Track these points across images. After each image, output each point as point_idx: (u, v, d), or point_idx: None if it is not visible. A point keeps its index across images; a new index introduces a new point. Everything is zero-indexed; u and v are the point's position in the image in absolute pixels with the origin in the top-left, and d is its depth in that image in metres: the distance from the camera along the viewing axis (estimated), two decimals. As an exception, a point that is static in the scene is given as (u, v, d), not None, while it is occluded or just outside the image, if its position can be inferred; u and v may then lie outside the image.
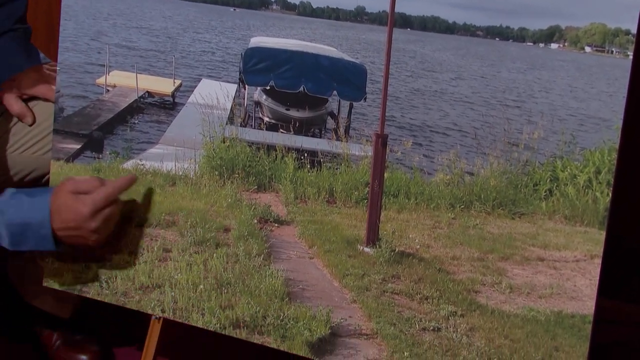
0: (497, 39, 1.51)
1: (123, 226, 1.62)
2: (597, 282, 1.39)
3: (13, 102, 1.73)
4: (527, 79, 1.53)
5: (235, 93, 1.65)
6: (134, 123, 1.71)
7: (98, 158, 1.69)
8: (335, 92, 1.61)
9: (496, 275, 1.49)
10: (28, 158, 1.75)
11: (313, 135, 1.65)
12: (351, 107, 1.61)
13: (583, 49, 1.51)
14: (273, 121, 1.65)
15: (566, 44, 1.49)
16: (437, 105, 1.56)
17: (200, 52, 1.72)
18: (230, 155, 1.63)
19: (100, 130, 1.72)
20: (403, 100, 1.56)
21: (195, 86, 1.67)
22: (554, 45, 1.50)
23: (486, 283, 1.50)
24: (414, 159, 1.54)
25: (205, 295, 1.60)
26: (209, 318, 1.59)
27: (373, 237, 1.55)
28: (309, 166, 1.60)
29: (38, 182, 1.78)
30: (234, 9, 1.70)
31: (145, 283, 1.65)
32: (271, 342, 1.56)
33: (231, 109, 1.64)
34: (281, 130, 1.63)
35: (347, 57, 1.63)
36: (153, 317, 1.68)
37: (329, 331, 1.54)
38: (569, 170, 1.45)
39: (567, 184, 1.44)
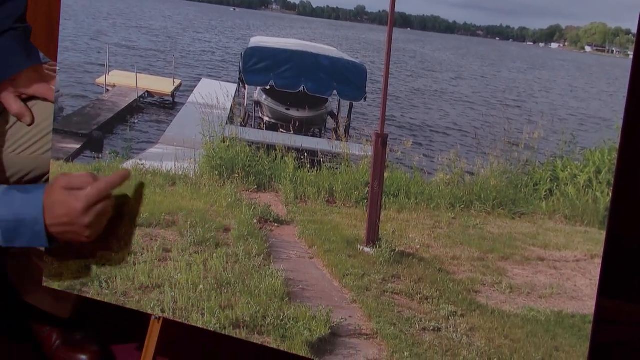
0: (497, 38, 1.51)
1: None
2: (597, 282, 1.39)
3: (12, 102, 1.72)
4: (527, 78, 1.53)
5: (235, 93, 1.65)
6: (134, 123, 1.71)
7: (98, 158, 1.69)
8: (335, 92, 1.61)
9: (496, 275, 1.49)
10: (27, 158, 1.75)
11: (313, 135, 1.64)
12: (351, 106, 1.61)
13: (583, 48, 1.51)
14: (273, 121, 1.65)
15: (566, 43, 1.49)
16: (438, 105, 1.56)
17: (200, 51, 1.72)
18: (230, 155, 1.62)
19: (100, 130, 1.71)
20: (403, 100, 1.56)
21: (195, 86, 1.67)
22: (554, 45, 1.49)
23: (486, 283, 1.49)
24: (414, 158, 1.53)
25: (205, 295, 1.60)
26: (208, 318, 1.59)
27: (373, 237, 1.55)
28: (309, 166, 1.60)
29: (37, 182, 1.78)
30: (234, 9, 1.70)
31: (145, 283, 1.65)
32: (271, 342, 1.56)
33: (231, 109, 1.64)
34: (281, 130, 1.63)
35: (347, 57, 1.63)
36: (153, 317, 1.68)
37: (329, 331, 1.54)
38: (569, 170, 1.45)
39: (568, 184, 1.44)
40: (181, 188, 1.65)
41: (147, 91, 1.75)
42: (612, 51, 1.46)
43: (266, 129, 1.65)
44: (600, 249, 1.39)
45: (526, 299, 1.46)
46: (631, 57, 1.39)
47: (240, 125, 1.65)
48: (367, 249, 1.56)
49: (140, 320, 1.73)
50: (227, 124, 1.63)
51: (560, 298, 1.44)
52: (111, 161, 1.68)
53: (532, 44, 1.49)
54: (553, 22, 1.45)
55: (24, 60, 1.74)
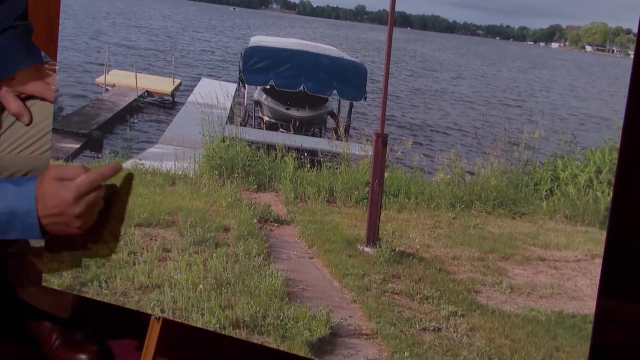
0: (497, 38, 1.50)
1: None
2: (597, 282, 1.39)
3: (11, 101, 1.72)
4: (527, 78, 1.53)
5: (235, 92, 1.65)
6: (134, 122, 1.71)
7: (97, 157, 1.69)
8: (335, 92, 1.61)
9: (497, 275, 1.49)
10: (25, 158, 1.74)
11: (313, 135, 1.64)
12: (351, 106, 1.61)
13: (584, 48, 1.51)
14: (273, 120, 1.65)
15: (567, 43, 1.49)
16: (438, 104, 1.56)
17: (200, 51, 1.72)
18: (230, 154, 1.62)
19: (100, 129, 1.71)
20: (403, 99, 1.56)
21: (195, 85, 1.67)
22: (554, 45, 1.49)
23: (487, 283, 1.49)
24: (414, 158, 1.53)
25: (204, 295, 1.60)
26: (208, 318, 1.59)
27: (373, 237, 1.55)
28: (309, 166, 1.60)
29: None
30: (234, 8, 1.70)
31: (145, 283, 1.64)
32: (271, 342, 1.56)
33: (231, 109, 1.64)
34: (281, 129, 1.63)
35: (347, 56, 1.62)
36: (152, 317, 1.67)
37: (329, 331, 1.54)
38: (569, 169, 1.44)
39: (568, 184, 1.44)
40: (181, 188, 1.65)
41: (146, 91, 1.74)
42: (613, 51, 1.46)
43: (266, 129, 1.64)
44: (600, 249, 1.39)
45: (526, 299, 1.46)
46: (632, 56, 1.38)
47: (240, 125, 1.65)
48: (367, 249, 1.56)
49: (140, 320, 1.73)
50: (227, 123, 1.63)
51: (560, 298, 1.44)
52: (111, 161, 1.67)
53: (532, 43, 1.49)
54: (553, 22, 1.44)
55: (24, 59, 1.74)
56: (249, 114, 1.67)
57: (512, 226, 1.50)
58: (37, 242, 1.76)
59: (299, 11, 1.58)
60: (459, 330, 1.48)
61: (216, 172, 1.63)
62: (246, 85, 1.65)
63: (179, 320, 1.62)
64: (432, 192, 1.54)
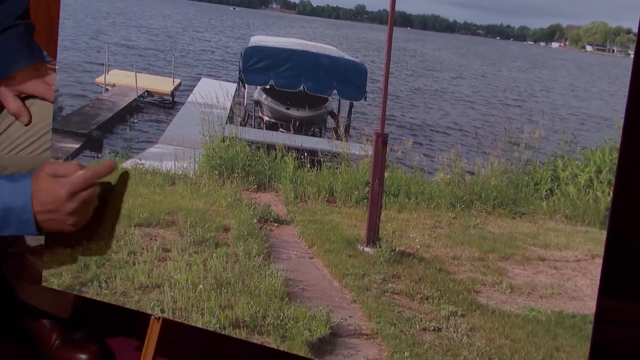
0: (497, 37, 1.50)
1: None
2: (598, 282, 1.39)
3: (10, 100, 1.72)
4: (528, 78, 1.52)
5: (235, 92, 1.65)
6: (134, 122, 1.71)
7: (97, 157, 1.69)
8: (335, 91, 1.61)
9: (497, 275, 1.49)
10: (24, 158, 1.74)
11: (313, 135, 1.64)
12: (351, 106, 1.61)
13: (584, 47, 1.50)
14: (273, 120, 1.65)
15: (567, 42, 1.49)
16: (438, 104, 1.56)
17: (200, 51, 1.72)
18: (229, 154, 1.62)
19: (100, 129, 1.71)
20: (403, 99, 1.56)
21: (195, 85, 1.67)
22: (554, 44, 1.49)
23: (487, 283, 1.49)
24: (415, 158, 1.53)
25: (204, 295, 1.60)
26: (208, 318, 1.58)
27: (373, 237, 1.55)
28: (309, 165, 1.60)
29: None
30: (234, 8, 1.70)
31: (145, 283, 1.64)
32: (271, 342, 1.55)
33: (231, 108, 1.64)
34: (281, 129, 1.63)
35: (347, 56, 1.62)
36: (152, 317, 1.67)
37: (329, 331, 1.53)
38: (569, 169, 1.44)
39: (568, 184, 1.44)
40: (181, 188, 1.65)
41: (146, 90, 1.74)
42: (613, 50, 1.46)
43: (266, 129, 1.64)
44: (601, 249, 1.38)
45: (527, 299, 1.46)
46: (632, 56, 1.38)
47: (240, 125, 1.65)
48: (367, 249, 1.56)
49: (140, 320, 1.73)
50: (226, 123, 1.63)
51: (560, 298, 1.44)
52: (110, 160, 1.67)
53: (532, 43, 1.49)
54: (554, 22, 1.44)
55: (25, 58, 1.73)
56: (249, 114, 1.67)
57: (512, 226, 1.50)
58: (37, 242, 1.76)
59: (299, 11, 1.58)
60: (459, 330, 1.48)
61: (216, 172, 1.63)
62: (246, 85, 1.65)
63: (179, 320, 1.62)
64: (432, 192, 1.54)
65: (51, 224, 1.52)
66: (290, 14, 1.61)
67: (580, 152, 1.43)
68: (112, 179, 1.62)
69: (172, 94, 1.71)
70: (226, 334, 1.58)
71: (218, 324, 1.58)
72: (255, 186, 1.63)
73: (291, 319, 1.55)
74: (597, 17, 1.41)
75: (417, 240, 1.53)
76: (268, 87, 1.63)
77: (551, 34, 1.47)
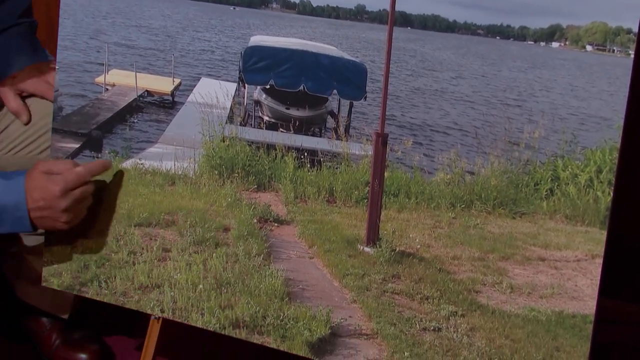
0: (497, 37, 1.50)
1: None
2: (598, 282, 1.39)
3: (11, 99, 1.72)
4: (528, 77, 1.52)
5: (235, 92, 1.65)
6: (133, 122, 1.71)
7: (97, 157, 1.69)
8: (335, 91, 1.61)
9: (497, 275, 1.49)
10: (23, 158, 1.74)
11: (313, 135, 1.64)
12: (351, 106, 1.61)
13: (584, 47, 1.50)
14: (273, 120, 1.65)
15: (567, 42, 1.49)
16: (438, 104, 1.56)
17: (200, 50, 1.72)
18: (229, 154, 1.62)
19: (100, 129, 1.71)
20: (403, 99, 1.56)
21: (195, 85, 1.67)
22: (555, 44, 1.49)
23: (487, 283, 1.49)
24: (415, 158, 1.53)
25: (204, 295, 1.60)
26: (208, 318, 1.58)
27: (373, 237, 1.55)
28: (309, 165, 1.60)
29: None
30: (234, 8, 1.70)
31: (145, 283, 1.64)
32: (271, 342, 1.55)
33: (231, 108, 1.64)
34: (281, 129, 1.63)
35: (347, 56, 1.62)
36: (152, 317, 1.67)
37: (329, 331, 1.53)
38: (570, 169, 1.44)
39: (568, 184, 1.44)
40: (181, 187, 1.65)
41: (146, 90, 1.74)
42: (613, 50, 1.46)
43: (266, 129, 1.64)
44: (601, 249, 1.38)
45: (527, 299, 1.46)
46: (632, 56, 1.38)
47: (240, 125, 1.65)
48: (367, 249, 1.56)
49: (140, 320, 1.73)
50: (226, 123, 1.63)
51: (561, 298, 1.44)
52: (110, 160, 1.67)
53: (532, 43, 1.49)
54: (554, 21, 1.44)
55: (27, 56, 1.73)
56: (248, 114, 1.67)
57: (513, 226, 1.50)
58: (37, 242, 1.76)
59: (299, 11, 1.58)
60: (459, 330, 1.47)
61: (216, 172, 1.63)
62: (246, 84, 1.65)
63: (179, 320, 1.62)
64: (432, 192, 1.54)
65: (45, 221, 1.52)
66: (290, 14, 1.61)
67: (581, 152, 1.43)
68: (109, 178, 1.62)
69: (172, 94, 1.71)
70: (226, 334, 1.58)
71: (218, 324, 1.58)
72: (255, 186, 1.63)
73: (291, 319, 1.55)
74: (597, 17, 1.41)
75: (417, 240, 1.53)
76: (268, 86, 1.63)
77: (551, 34, 1.47)
